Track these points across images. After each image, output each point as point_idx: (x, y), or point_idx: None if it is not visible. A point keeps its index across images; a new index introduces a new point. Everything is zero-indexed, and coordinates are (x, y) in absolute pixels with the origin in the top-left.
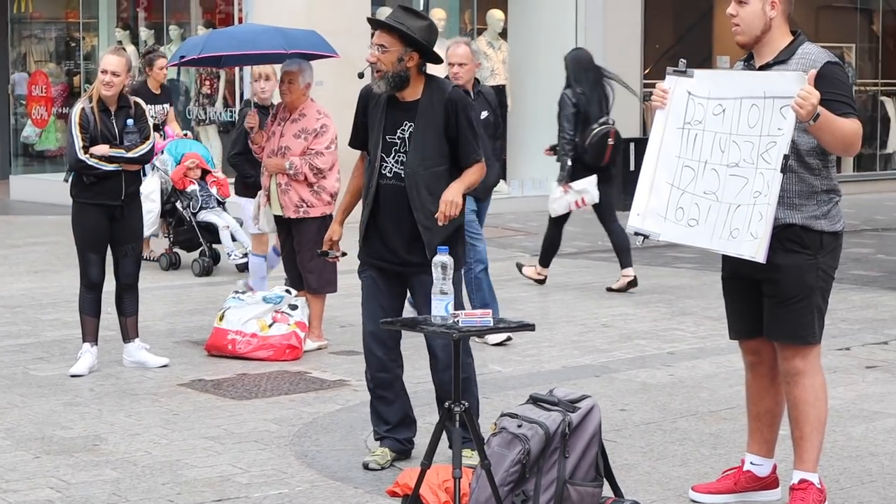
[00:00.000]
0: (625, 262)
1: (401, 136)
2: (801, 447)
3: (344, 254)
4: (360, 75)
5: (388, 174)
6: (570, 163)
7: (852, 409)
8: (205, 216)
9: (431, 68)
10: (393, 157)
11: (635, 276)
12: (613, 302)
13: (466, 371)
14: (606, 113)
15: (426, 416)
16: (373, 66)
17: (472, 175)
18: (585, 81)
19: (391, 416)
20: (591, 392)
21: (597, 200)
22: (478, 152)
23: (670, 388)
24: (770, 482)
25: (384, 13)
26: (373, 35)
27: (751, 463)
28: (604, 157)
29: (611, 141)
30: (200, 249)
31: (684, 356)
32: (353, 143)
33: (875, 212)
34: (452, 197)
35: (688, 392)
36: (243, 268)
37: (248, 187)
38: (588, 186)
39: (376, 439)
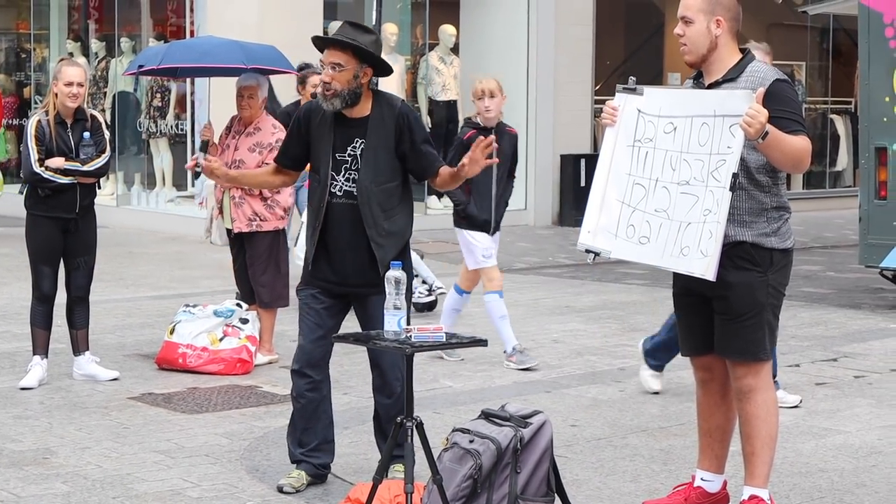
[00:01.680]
0: None
1: (352, 153)
2: (752, 463)
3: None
4: (308, 87)
5: (338, 193)
6: None
7: (802, 425)
8: None
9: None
10: (343, 175)
11: None
12: (564, 318)
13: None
14: None
15: (368, 433)
16: (325, 86)
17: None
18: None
19: (310, 439)
20: (542, 407)
21: None
22: (439, 160)
23: (621, 404)
24: (721, 498)
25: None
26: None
27: (701, 479)
28: None
29: None
30: None
31: (635, 372)
32: (282, 158)
33: (824, 229)
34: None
35: (638, 408)
36: (426, 307)
37: None
38: None
39: (292, 462)
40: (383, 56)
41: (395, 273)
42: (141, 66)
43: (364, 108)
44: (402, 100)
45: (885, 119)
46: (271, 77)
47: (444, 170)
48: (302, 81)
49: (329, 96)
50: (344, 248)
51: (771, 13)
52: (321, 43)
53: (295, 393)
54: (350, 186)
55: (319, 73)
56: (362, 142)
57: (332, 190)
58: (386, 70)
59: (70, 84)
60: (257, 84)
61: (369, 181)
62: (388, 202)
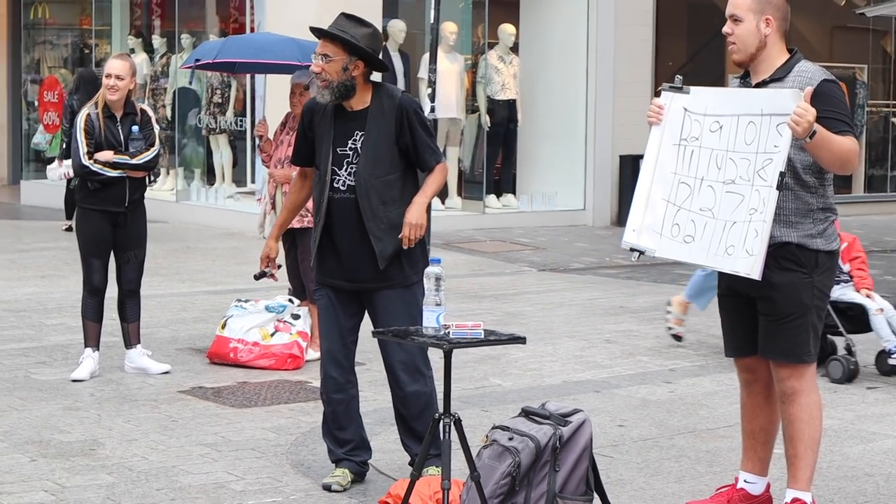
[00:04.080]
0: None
1: (352, 146)
2: (795, 466)
3: (279, 266)
4: (306, 87)
5: (340, 187)
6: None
7: (850, 429)
8: (843, 293)
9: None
10: (345, 170)
11: None
12: (618, 318)
13: (429, 385)
14: None
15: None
16: (317, 76)
17: (435, 181)
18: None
19: (347, 438)
20: (590, 407)
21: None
22: (437, 154)
23: (669, 405)
24: (763, 500)
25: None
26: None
27: (744, 481)
28: None
29: None
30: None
31: (685, 373)
32: (296, 159)
33: (884, 233)
34: (416, 219)
35: (687, 409)
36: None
37: None
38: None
39: (333, 461)
40: (443, 55)
41: (434, 269)
42: (198, 60)
43: (363, 101)
44: (403, 91)
45: None
46: None
47: (441, 168)
48: None
49: (321, 87)
50: (349, 243)
51: (834, 16)
52: (315, 33)
53: (324, 396)
54: (352, 180)
55: None
56: (362, 134)
57: (335, 185)
58: (378, 65)
59: (109, 76)
60: (310, 81)
61: (368, 173)
62: (388, 194)
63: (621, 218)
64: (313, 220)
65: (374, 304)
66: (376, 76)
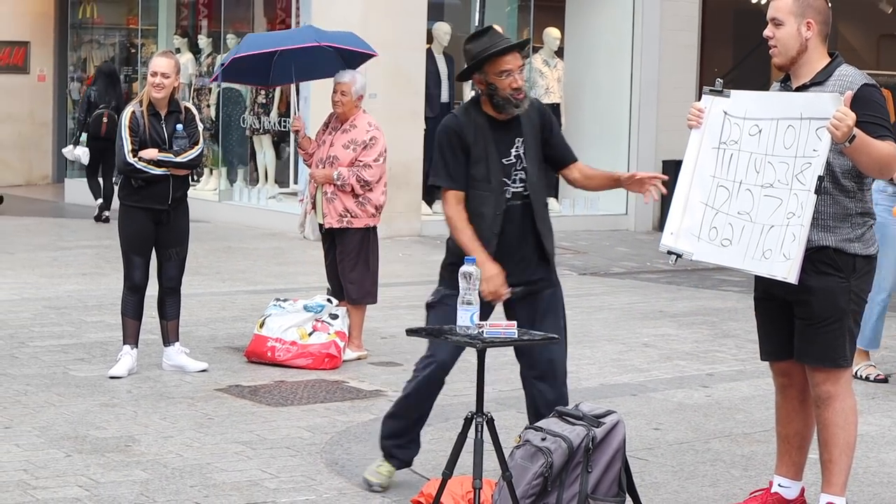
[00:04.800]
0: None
1: (515, 153)
2: (830, 470)
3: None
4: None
5: (509, 197)
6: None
7: (888, 435)
8: None
9: None
10: (512, 178)
11: None
12: (657, 322)
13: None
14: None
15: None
16: (517, 91)
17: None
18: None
19: (411, 432)
20: (626, 410)
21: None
22: (572, 151)
23: (706, 409)
24: None
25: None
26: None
27: (779, 485)
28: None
29: (105, 119)
30: None
31: (723, 378)
32: (456, 184)
33: None
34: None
35: (724, 413)
36: None
37: None
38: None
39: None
40: None
41: (468, 268)
42: (223, 65)
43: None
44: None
45: None
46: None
47: (589, 168)
48: None
49: (521, 99)
50: (519, 248)
51: (881, 24)
52: (500, 53)
53: (420, 383)
54: (517, 187)
55: None
56: (521, 140)
57: (506, 196)
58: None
59: (154, 74)
60: (351, 80)
61: (536, 178)
62: (547, 194)
63: (663, 223)
64: (484, 234)
65: (537, 305)
66: None
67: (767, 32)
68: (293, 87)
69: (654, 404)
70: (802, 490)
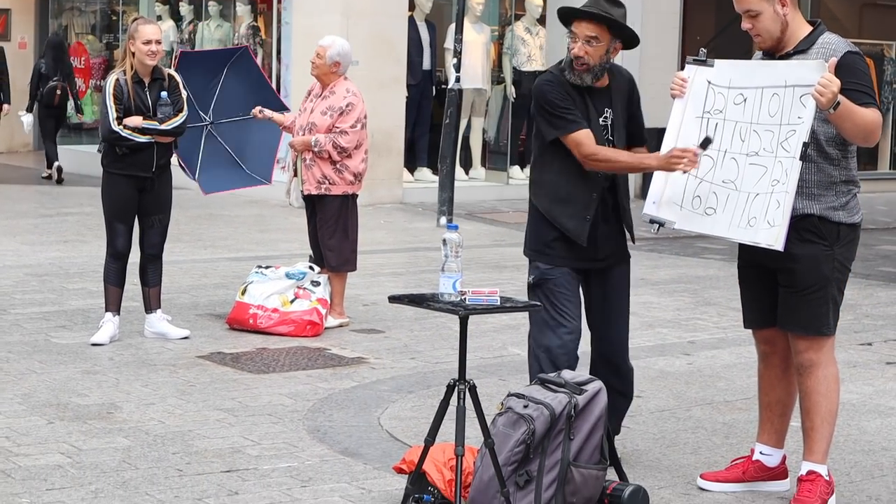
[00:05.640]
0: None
1: (603, 123)
2: (811, 438)
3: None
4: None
5: None
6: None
7: (869, 403)
8: None
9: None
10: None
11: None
12: (638, 290)
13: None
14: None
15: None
16: (577, 59)
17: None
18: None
19: None
20: None
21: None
22: (644, 134)
23: (688, 377)
24: (779, 473)
25: None
26: (572, 27)
27: (760, 453)
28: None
29: (58, 91)
30: None
31: (705, 346)
32: (581, 124)
33: None
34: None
35: (705, 381)
36: None
37: None
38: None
39: None
40: (470, 25)
41: (452, 236)
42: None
43: (605, 79)
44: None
45: None
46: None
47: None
48: None
49: (581, 70)
50: (601, 221)
51: None
52: (569, 14)
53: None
54: None
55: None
56: (610, 111)
57: None
58: (635, 42)
59: (148, 42)
60: (328, 44)
61: (623, 148)
62: None
63: (645, 191)
64: (581, 205)
65: (608, 280)
66: None
67: (746, 25)
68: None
69: (635, 371)
70: (784, 458)
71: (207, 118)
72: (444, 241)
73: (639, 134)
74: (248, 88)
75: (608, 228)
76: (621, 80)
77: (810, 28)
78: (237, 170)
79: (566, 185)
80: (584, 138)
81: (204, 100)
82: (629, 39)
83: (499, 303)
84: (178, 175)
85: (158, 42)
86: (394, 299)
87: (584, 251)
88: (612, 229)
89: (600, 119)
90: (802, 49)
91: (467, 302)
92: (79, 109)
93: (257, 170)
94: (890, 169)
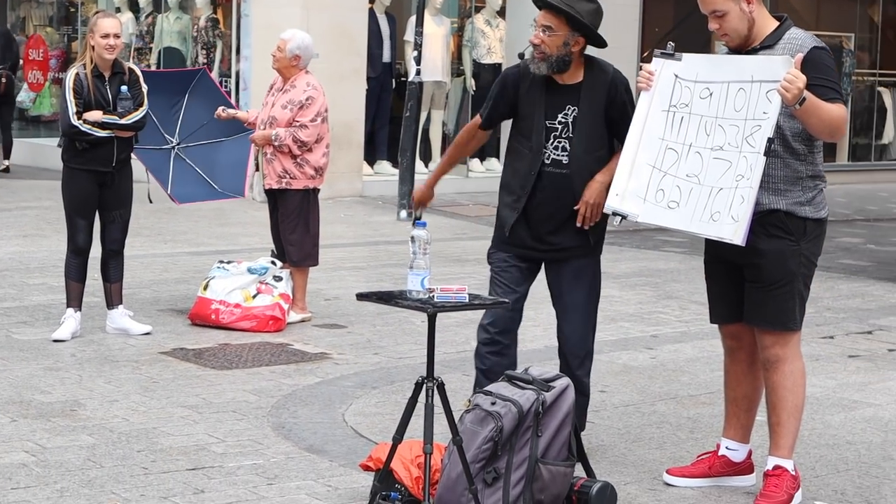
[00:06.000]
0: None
1: (562, 120)
2: (777, 433)
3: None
4: (521, 55)
5: (548, 162)
6: None
7: (832, 397)
8: None
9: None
10: (552, 143)
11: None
12: None
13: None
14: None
15: (406, 391)
16: (535, 48)
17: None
18: None
19: None
20: None
21: None
22: None
23: (651, 371)
24: (745, 467)
25: None
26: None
27: (726, 448)
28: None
29: (3, 80)
30: None
31: (667, 339)
32: (487, 123)
33: (868, 202)
34: (594, 198)
35: (669, 375)
36: None
37: None
38: None
39: None
40: (430, 18)
41: (419, 232)
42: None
43: (576, 75)
44: (615, 67)
45: None
46: None
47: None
48: None
49: (538, 59)
50: (547, 215)
51: None
52: (538, 3)
53: (478, 363)
54: (558, 155)
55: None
56: (574, 109)
57: (544, 160)
58: (600, 42)
59: (106, 36)
60: (289, 37)
61: (582, 150)
62: (598, 170)
63: None
64: (509, 189)
65: (562, 272)
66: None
67: (713, 25)
68: (233, 47)
69: (599, 366)
70: (750, 452)
71: (173, 140)
72: (413, 237)
73: (619, 136)
74: (211, 110)
75: (557, 222)
76: (599, 78)
77: (776, 23)
78: (209, 187)
79: (505, 173)
80: (471, 122)
81: (168, 121)
82: (592, 35)
83: (467, 300)
84: (137, 169)
85: (117, 36)
86: (362, 297)
87: (523, 239)
88: (565, 225)
89: (560, 115)
90: (769, 44)
91: (436, 299)
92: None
93: (229, 187)
94: (848, 161)
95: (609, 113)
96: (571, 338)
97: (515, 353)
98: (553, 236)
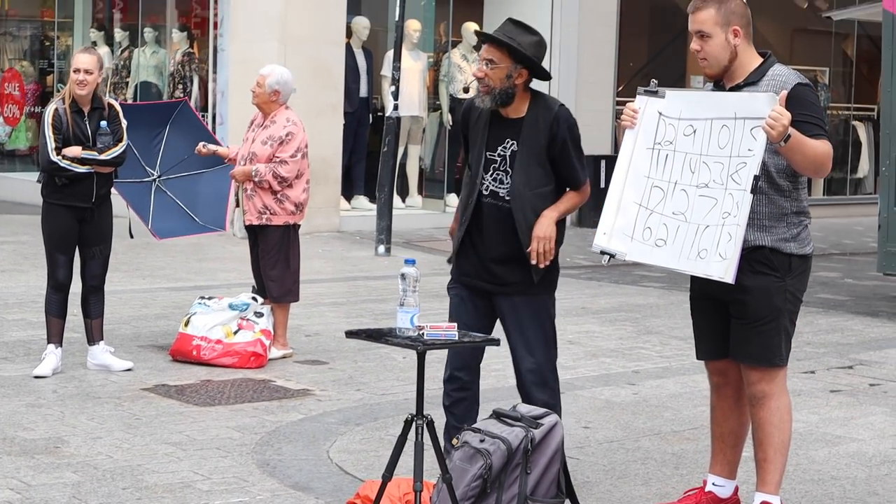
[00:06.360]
0: None
1: (501, 153)
2: (764, 469)
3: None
4: (466, 89)
5: (485, 192)
6: None
7: (816, 432)
8: None
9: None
10: (491, 175)
11: None
12: (580, 319)
13: (554, 398)
14: None
15: (389, 428)
16: (479, 81)
17: (571, 199)
18: None
19: None
20: None
21: None
22: (581, 174)
23: (634, 407)
24: (731, 503)
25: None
26: (478, 48)
27: (713, 484)
28: None
29: None
30: None
31: (649, 375)
32: (466, 159)
33: (844, 236)
34: (544, 232)
35: (652, 411)
36: None
37: None
38: None
39: None
40: (406, 53)
41: (409, 270)
42: None
43: (520, 109)
44: (561, 104)
45: None
46: None
47: (584, 189)
48: None
49: (482, 93)
50: (489, 247)
51: (795, 18)
52: (480, 38)
53: (445, 402)
54: (496, 186)
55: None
56: (513, 143)
57: (481, 189)
58: (543, 74)
59: (77, 71)
60: (268, 73)
61: (522, 185)
62: (542, 206)
63: (582, 219)
64: (459, 219)
65: (506, 310)
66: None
67: (695, 46)
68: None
69: (581, 402)
70: (736, 489)
71: (154, 173)
72: (403, 275)
73: (569, 177)
74: (192, 142)
75: (501, 254)
76: (542, 115)
77: (761, 60)
78: (190, 220)
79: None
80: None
81: (149, 154)
82: (536, 68)
83: (457, 337)
84: (117, 204)
85: (88, 72)
86: (351, 334)
87: (469, 270)
88: (508, 259)
89: (499, 148)
90: (753, 81)
91: (425, 337)
92: None
93: (210, 220)
94: (824, 195)
95: (550, 151)
96: (525, 375)
97: (477, 388)
98: (498, 268)
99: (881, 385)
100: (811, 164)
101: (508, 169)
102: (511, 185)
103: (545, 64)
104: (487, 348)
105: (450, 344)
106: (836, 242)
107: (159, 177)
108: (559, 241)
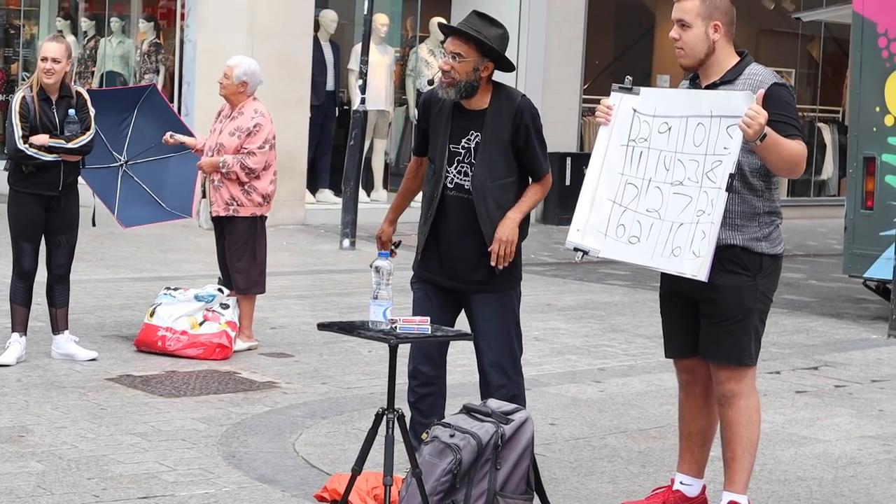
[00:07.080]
0: None
1: (465, 145)
2: (732, 468)
3: (396, 244)
4: (430, 82)
5: (450, 185)
6: None
7: (782, 432)
8: None
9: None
10: (455, 168)
11: None
12: (545, 316)
13: (514, 389)
14: None
15: (355, 421)
16: (445, 74)
17: (534, 195)
18: None
19: None
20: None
21: None
22: (544, 164)
23: (600, 405)
24: (699, 502)
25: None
26: (443, 42)
27: (680, 482)
28: None
29: None
30: None
31: (615, 373)
32: (417, 150)
33: (808, 237)
34: (507, 235)
35: (618, 409)
36: None
37: None
38: None
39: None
40: (374, 47)
41: (380, 262)
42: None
43: (482, 101)
44: (523, 94)
45: (874, 129)
46: None
47: (545, 181)
48: None
49: (446, 85)
50: (453, 242)
51: (762, 19)
52: (445, 30)
53: (410, 398)
54: (461, 179)
55: None
56: (477, 135)
57: (446, 182)
58: (508, 66)
59: (45, 59)
60: (235, 64)
61: (484, 177)
62: (504, 198)
63: (547, 216)
64: (423, 214)
65: (471, 305)
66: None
67: (674, 34)
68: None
69: (548, 399)
70: (703, 488)
71: (122, 158)
72: (377, 268)
73: (532, 166)
74: (160, 127)
75: (464, 252)
76: (505, 105)
77: (738, 59)
78: (157, 206)
79: (421, 199)
80: (411, 162)
81: (116, 139)
82: (501, 60)
83: (429, 331)
84: (84, 194)
85: (55, 60)
86: (323, 327)
87: (431, 267)
88: (472, 254)
89: (463, 140)
90: (729, 79)
91: (398, 330)
92: None
93: (177, 206)
94: (788, 196)
95: (514, 141)
96: (488, 372)
97: (443, 383)
98: (462, 264)
99: (846, 386)
100: (786, 163)
101: (473, 161)
102: (473, 177)
103: (510, 57)
104: (452, 343)
105: (423, 338)
106: (800, 244)
107: (126, 161)
108: (522, 235)
